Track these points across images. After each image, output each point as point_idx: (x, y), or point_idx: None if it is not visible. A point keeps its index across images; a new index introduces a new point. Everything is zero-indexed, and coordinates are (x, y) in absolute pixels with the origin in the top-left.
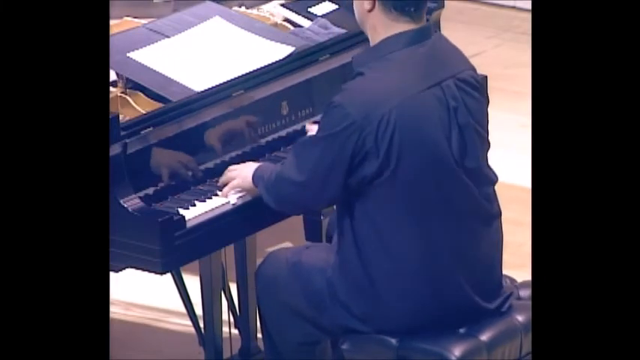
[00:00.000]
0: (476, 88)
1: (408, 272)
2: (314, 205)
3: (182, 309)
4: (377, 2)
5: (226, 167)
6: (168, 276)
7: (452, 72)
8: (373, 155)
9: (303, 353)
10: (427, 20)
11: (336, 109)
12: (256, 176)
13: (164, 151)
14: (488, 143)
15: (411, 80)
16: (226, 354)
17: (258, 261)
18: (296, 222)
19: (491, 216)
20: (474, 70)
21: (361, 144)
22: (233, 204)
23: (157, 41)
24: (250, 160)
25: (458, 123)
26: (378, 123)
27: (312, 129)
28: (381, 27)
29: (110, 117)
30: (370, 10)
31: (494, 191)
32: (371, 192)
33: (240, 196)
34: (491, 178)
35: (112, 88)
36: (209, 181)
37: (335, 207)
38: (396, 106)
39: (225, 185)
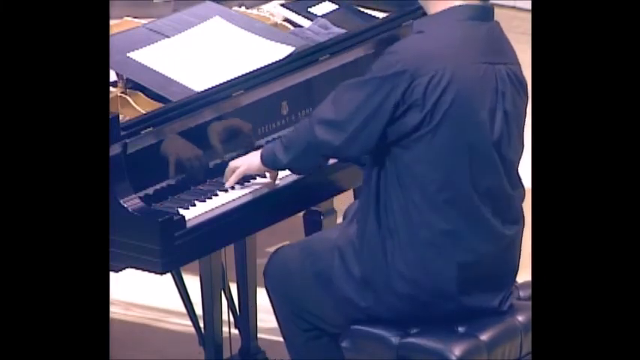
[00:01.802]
0: (520, 84)
1: (423, 243)
2: (346, 150)
3: (182, 309)
4: None
5: (226, 167)
6: (168, 276)
7: (505, 59)
8: (418, 108)
9: (312, 349)
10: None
11: (390, 55)
12: (265, 152)
13: (164, 150)
14: (523, 145)
15: (470, 50)
16: (226, 354)
17: (259, 261)
18: (296, 222)
19: (514, 215)
20: (520, 66)
21: (410, 93)
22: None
23: (157, 41)
24: None
25: (504, 108)
26: (431, 77)
27: None
28: None
29: (110, 117)
30: None
31: (521, 200)
32: (405, 150)
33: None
34: (521, 183)
35: (112, 88)
36: (209, 181)
37: (363, 173)
38: (451, 66)
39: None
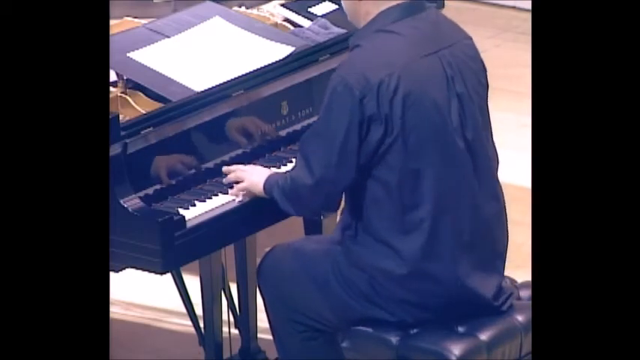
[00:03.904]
0: (472, 58)
1: (412, 243)
2: (337, 196)
3: (182, 309)
4: None
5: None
6: (168, 276)
7: (448, 42)
8: (377, 121)
9: (307, 351)
10: None
11: (333, 82)
12: (269, 185)
13: (164, 150)
14: (488, 115)
15: (409, 48)
16: (226, 354)
17: (258, 261)
18: (296, 222)
19: (491, 195)
20: (470, 39)
21: (364, 109)
22: (239, 201)
23: (157, 41)
24: (250, 160)
25: (456, 92)
26: (378, 87)
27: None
28: (373, 9)
29: (110, 117)
30: None
31: (496, 169)
32: (377, 164)
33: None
34: (492, 154)
35: (112, 88)
36: (209, 181)
37: None
38: (395, 71)
39: (231, 183)
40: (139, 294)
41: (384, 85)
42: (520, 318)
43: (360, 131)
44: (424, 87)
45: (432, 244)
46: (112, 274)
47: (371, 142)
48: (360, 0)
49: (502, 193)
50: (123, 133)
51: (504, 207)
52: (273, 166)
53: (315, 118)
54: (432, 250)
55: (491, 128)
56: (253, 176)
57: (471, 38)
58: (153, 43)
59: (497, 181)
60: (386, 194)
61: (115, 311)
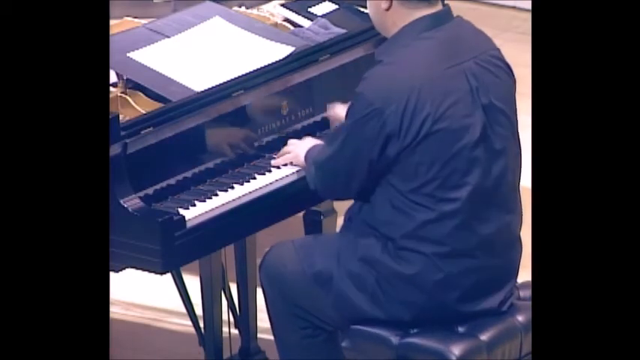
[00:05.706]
0: (499, 68)
1: (419, 255)
2: (346, 194)
3: (182, 309)
4: None
5: (226, 167)
6: (168, 276)
7: (473, 53)
8: (395, 136)
9: (307, 348)
10: (444, 5)
11: (358, 98)
12: (308, 157)
13: (164, 151)
14: (517, 124)
15: (431, 62)
16: (226, 354)
17: (258, 261)
18: (296, 222)
19: (512, 207)
20: (498, 49)
21: (382, 126)
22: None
23: (157, 41)
24: (250, 160)
25: (481, 103)
26: (398, 104)
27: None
28: (400, 20)
29: (110, 117)
30: (388, 9)
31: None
32: (395, 169)
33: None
34: (516, 165)
35: (112, 88)
36: (209, 181)
37: None
38: (416, 87)
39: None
40: (139, 294)
41: (403, 102)
42: (520, 318)
43: (375, 146)
44: (446, 100)
45: (454, 252)
46: (112, 274)
47: (389, 156)
48: (387, 10)
49: (521, 205)
50: (123, 133)
51: (520, 219)
52: (272, 167)
53: (315, 118)
54: (453, 257)
55: (518, 137)
56: (298, 147)
57: (498, 49)
58: (153, 43)
59: (518, 194)
60: (405, 204)
61: (115, 311)
